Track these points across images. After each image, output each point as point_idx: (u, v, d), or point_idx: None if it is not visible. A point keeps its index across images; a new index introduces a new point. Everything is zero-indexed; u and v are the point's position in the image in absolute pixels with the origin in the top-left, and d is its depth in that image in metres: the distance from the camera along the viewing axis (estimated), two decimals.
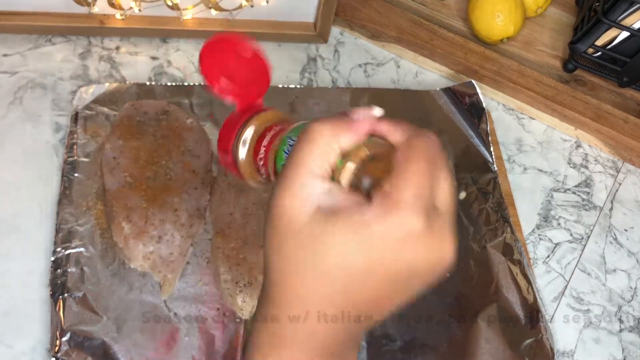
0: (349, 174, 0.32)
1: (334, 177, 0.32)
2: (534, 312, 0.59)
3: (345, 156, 0.33)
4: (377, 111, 0.35)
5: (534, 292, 0.60)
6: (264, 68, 0.43)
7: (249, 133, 0.40)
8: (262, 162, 0.39)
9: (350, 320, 0.32)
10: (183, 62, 0.74)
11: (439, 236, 0.30)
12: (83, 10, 0.70)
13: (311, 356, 0.32)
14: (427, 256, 0.30)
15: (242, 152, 0.40)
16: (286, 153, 0.36)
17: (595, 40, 0.74)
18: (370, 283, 0.30)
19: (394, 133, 0.33)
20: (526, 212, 0.69)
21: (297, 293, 0.31)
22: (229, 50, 0.41)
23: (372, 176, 0.32)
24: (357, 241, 0.29)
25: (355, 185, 0.32)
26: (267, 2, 0.71)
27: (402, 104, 0.72)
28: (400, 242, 0.29)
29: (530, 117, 0.77)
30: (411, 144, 0.32)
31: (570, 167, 0.74)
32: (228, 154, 0.41)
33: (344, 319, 0.31)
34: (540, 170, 0.73)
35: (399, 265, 0.30)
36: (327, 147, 0.32)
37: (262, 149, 0.39)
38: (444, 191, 0.32)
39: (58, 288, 0.54)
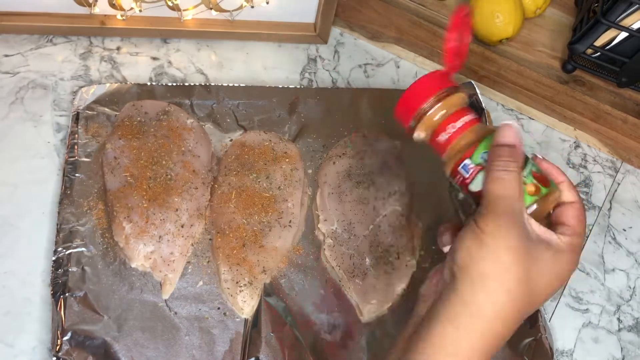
0: (532, 209, 0.40)
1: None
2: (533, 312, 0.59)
3: (533, 194, 0.41)
4: (515, 125, 0.41)
5: None
6: (466, 47, 0.46)
7: (453, 104, 0.44)
8: (446, 137, 0.44)
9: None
10: (184, 63, 0.74)
11: (576, 262, 0.41)
12: (84, 10, 0.71)
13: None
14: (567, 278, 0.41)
15: (439, 115, 0.44)
16: (486, 156, 0.42)
17: (594, 41, 0.74)
18: (547, 295, 0.39)
19: (572, 192, 0.43)
20: None
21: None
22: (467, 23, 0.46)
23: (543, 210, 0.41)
24: (556, 263, 0.39)
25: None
26: (268, 2, 0.72)
27: None
28: (568, 274, 0.40)
29: (530, 118, 0.78)
30: (582, 208, 0.42)
31: (570, 167, 0.74)
32: (415, 103, 0.44)
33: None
34: None
35: (562, 284, 0.40)
36: (520, 182, 0.39)
37: (450, 127, 0.43)
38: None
39: (59, 287, 0.55)
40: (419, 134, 0.45)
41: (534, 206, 0.40)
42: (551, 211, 0.43)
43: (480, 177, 0.41)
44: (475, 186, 0.42)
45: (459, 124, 0.43)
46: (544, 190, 0.41)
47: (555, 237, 0.39)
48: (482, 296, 0.36)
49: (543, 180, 0.41)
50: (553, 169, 0.43)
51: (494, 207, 0.38)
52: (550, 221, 0.42)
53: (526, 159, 0.42)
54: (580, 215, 0.41)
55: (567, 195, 0.42)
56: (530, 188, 0.40)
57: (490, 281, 0.36)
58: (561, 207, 0.42)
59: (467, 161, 0.42)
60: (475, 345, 0.36)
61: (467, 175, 0.42)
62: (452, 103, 0.44)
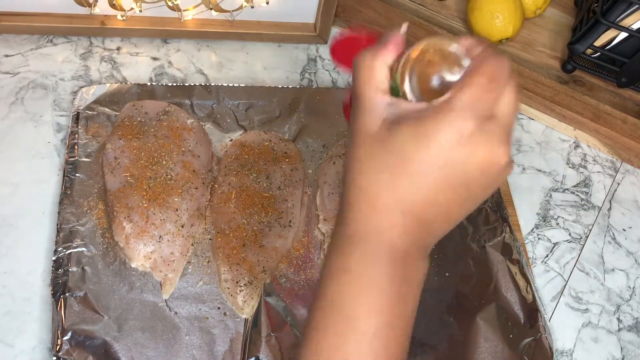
0: (406, 85, 0.35)
1: (398, 92, 0.35)
2: (532, 312, 0.59)
3: (400, 70, 0.36)
4: (403, 28, 0.39)
5: (532, 291, 0.60)
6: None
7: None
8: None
9: (420, 229, 0.34)
10: (184, 63, 0.74)
11: (489, 139, 0.32)
12: (84, 11, 0.71)
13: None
14: (477, 157, 0.32)
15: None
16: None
17: (594, 41, 0.74)
18: (431, 185, 0.33)
19: (474, 47, 0.35)
20: (525, 212, 0.69)
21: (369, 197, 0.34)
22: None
23: (436, 76, 0.35)
24: (415, 143, 0.32)
25: (427, 90, 0.35)
26: (267, 2, 0.72)
27: None
28: (451, 143, 0.32)
29: (529, 118, 0.78)
30: (483, 58, 0.33)
31: (569, 167, 0.74)
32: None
33: (413, 227, 0.34)
34: (539, 170, 0.73)
35: (455, 167, 0.32)
36: (372, 70, 0.36)
37: None
38: (505, 101, 0.33)
39: (59, 287, 0.55)
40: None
41: (410, 85, 0.35)
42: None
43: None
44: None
45: None
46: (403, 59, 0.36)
47: (421, 105, 0.34)
48: (351, 194, 0.35)
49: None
50: (467, 40, 0.36)
51: (353, 107, 0.37)
52: None
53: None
54: (475, 67, 0.33)
55: (472, 50, 0.34)
56: (395, 66, 0.37)
57: (353, 181, 0.35)
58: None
59: None
60: (359, 239, 0.35)
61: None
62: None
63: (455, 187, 0.33)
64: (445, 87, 0.34)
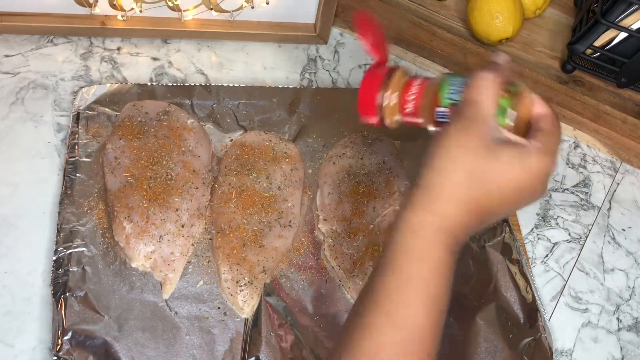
0: (512, 118, 0.43)
1: (499, 115, 0.43)
2: (532, 312, 0.59)
3: (505, 98, 0.43)
4: (505, 58, 0.46)
5: (532, 291, 0.60)
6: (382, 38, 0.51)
7: (398, 83, 0.48)
8: (412, 105, 0.48)
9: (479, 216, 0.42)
10: (184, 63, 0.74)
11: (548, 182, 0.44)
12: (84, 11, 0.71)
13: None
14: (544, 189, 0.43)
15: (393, 97, 0.48)
16: (450, 95, 0.45)
17: (594, 41, 0.74)
18: (513, 194, 0.42)
19: (542, 106, 0.45)
20: (525, 212, 0.69)
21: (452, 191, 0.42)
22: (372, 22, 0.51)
23: (521, 119, 0.44)
24: (519, 163, 0.41)
25: (517, 125, 0.44)
26: (268, 3, 0.72)
27: None
28: (539, 177, 0.42)
29: None
30: (555, 116, 0.44)
31: (569, 167, 0.74)
32: (371, 101, 0.49)
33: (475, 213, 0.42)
34: None
35: (532, 189, 0.42)
36: (494, 89, 0.42)
37: (410, 98, 0.48)
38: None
39: (59, 287, 0.55)
40: (391, 121, 0.49)
41: (513, 113, 0.43)
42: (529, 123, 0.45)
43: None
44: None
45: (414, 90, 0.47)
46: (512, 88, 0.44)
47: (524, 140, 0.42)
48: (435, 185, 0.41)
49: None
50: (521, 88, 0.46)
51: (463, 111, 0.43)
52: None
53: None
54: (551, 121, 0.44)
55: (539, 107, 0.45)
56: (502, 94, 0.44)
57: (443, 173, 0.41)
58: (537, 120, 0.44)
59: (439, 109, 0.46)
60: (429, 222, 0.41)
61: (447, 119, 0.46)
62: (397, 82, 0.48)
63: (516, 205, 0.43)
64: (522, 125, 0.44)
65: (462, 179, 0.41)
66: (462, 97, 0.44)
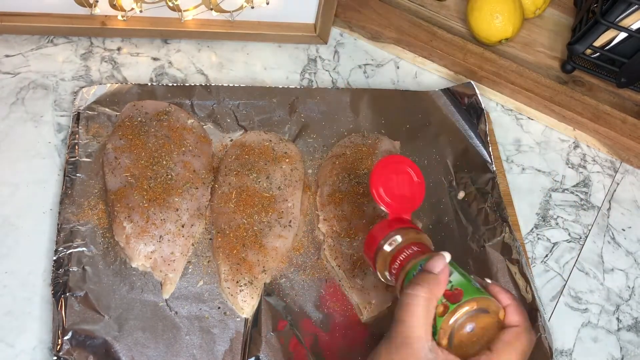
0: (447, 335, 0.39)
1: (434, 333, 0.39)
2: (532, 311, 0.59)
3: (441, 314, 0.40)
4: (447, 257, 0.43)
5: (532, 291, 0.60)
6: (421, 190, 0.54)
7: (394, 242, 0.49)
8: (395, 272, 0.48)
9: None
10: (184, 63, 0.74)
11: None
12: (85, 11, 0.71)
13: None
14: None
15: (385, 254, 0.49)
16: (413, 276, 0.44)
17: (594, 42, 0.75)
18: None
19: (514, 315, 0.41)
20: (525, 212, 0.69)
21: None
22: (396, 170, 0.53)
23: (472, 337, 0.39)
24: None
25: (462, 345, 0.40)
26: (268, 3, 0.72)
27: (402, 105, 0.73)
28: None
29: (529, 118, 0.78)
30: (519, 335, 0.40)
31: (569, 167, 0.74)
32: (372, 250, 0.50)
33: None
34: (539, 170, 0.73)
35: None
36: (427, 309, 0.39)
37: (397, 262, 0.48)
38: None
39: (60, 287, 0.55)
40: (381, 276, 0.50)
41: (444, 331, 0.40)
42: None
43: None
44: None
45: (401, 258, 0.47)
46: (451, 306, 0.40)
47: None
48: None
49: (456, 295, 0.41)
50: (501, 292, 0.43)
51: (390, 331, 0.39)
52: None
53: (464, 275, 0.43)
54: (509, 342, 0.39)
55: (510, 317, 0.41)
56: (439, 309, 0.41)
57: None
58: (501, 333, 0.41)
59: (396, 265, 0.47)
60: None
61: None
62: (404, 239, 0.49)
63: None
64: (479, 346, 0.40)
65: None
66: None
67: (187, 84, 0.70)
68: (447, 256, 0.43)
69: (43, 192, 0.62)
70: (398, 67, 0.80)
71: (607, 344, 0.62)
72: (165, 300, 0.56)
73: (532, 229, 0.68)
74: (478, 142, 0.70)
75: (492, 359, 0.38)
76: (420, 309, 0.39)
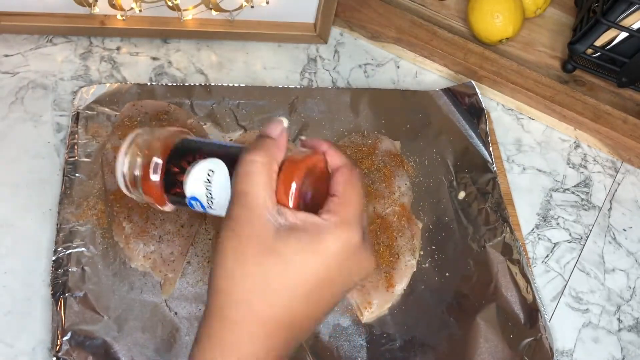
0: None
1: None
2: (533, 312, 0.59)
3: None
4: (285, 122, 0.40)
5: (533, 291, 0.60)
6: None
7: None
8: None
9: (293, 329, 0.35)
10: (184, 63, 0.74)
11: (368, 249, 0.37)
12: (84, 10, 0.71)
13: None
14: (360, 265, 0.36)
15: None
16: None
17: (594, 41, 0.74)
18: (318, 290, 0.35)
19: (335, 157, 0.39)
20: (525, 212, 0.69)
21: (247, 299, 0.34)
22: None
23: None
24: (312, 252, 0.34)
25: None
26: (267, 2, 0.72)
27: (402, 105, 0.72)
28: (346, 253, 0.35)
29: (530, 117, 0.78)
30: (350, 171, 0.38)
31: (569, 167, 0.74)
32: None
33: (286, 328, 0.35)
34: (539, 170, 0.73)
35: (343, 274, 0.36)
36: (268, 174, 0.36)
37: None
38: (364, 215, 0.38)
39: (59, 287, 0.55)
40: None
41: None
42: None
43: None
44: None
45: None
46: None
47: (315, 219, 0.35)
48: (220, 315, 0.35)
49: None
50: (314, 141, 0.41)
51: (231, 210, 0.36)
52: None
53: None
54: (345, 180, 0.37)
55: (332, 160, 0.39)
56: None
57: (225, 298, 0.35)
58: (332, 177, 0.38)
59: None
60: (223, 350, 0.34)
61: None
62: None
63: (332, 298, 0.36)
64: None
65: (250, 299, 0.34)
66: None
67: (186, 84, 0.70)
68: (285, 121, 0.40)
69: (42, 192, 0.62)
70: (398, 67, 0.79)
71: (608, 344, 0.62)
72: (165, 300, 0.56)
73: (533, 229, 0.68)
74: (478, 141, 0.70)
75: (339, 201, 0.36)
76: (262, 176, 0.36)
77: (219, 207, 0.41)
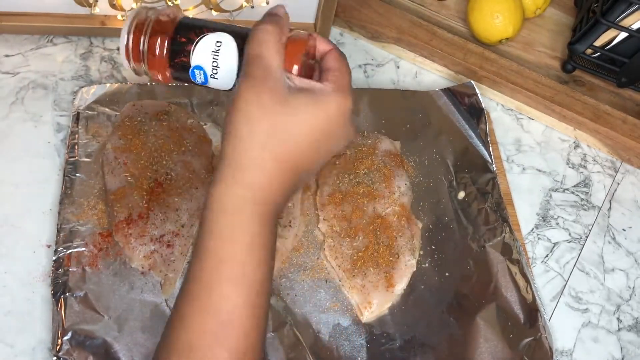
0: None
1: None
2: (532, 312, 0.59)
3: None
4: (282, 8, 0.46)
5: (532, 291, 0.60)
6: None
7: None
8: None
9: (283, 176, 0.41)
10: None
11: (354, 121, 0.44)
12: (84, 11, 0.71)
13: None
14: (348, 130, 0.43)
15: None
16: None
17: (594, 41, 0.74)
18: (322, 139, 0.41)
19: (325, 42, 0.46)
20: (525, 212, 0.69)
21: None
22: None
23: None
24: (318, 108, 0.40)
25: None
26: (267, 2, 0.72)
27: (402, 105, 0.73)
28: (343, 115, 0.42)
29: (529, 118, 0.78)
30: (339, 53, 0.44)
31: (569, 167, 0.74)
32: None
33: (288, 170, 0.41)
34: (539, 170, 0.73)
35: (338, 132, 0.42)
36: (280, 43, 0.42)
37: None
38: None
39: (59, 287, 0.55)
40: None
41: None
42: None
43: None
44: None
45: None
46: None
47: (318, 84, 0.41)
48: (236, 153, 0.39)
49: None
50: (306, 32, 0.46)
51: (248, 69, 0.40)
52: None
53: None
54: (337, 58, 0.44)
55: (323, 45, 0.45)
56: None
57: (242, 138, 0.39)
58: (323, 59, 0.44)
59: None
60: (238, 195, 0.39)
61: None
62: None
63: (327, 152, 0.43)
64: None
65: (263, 141, 0.39)
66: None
67: (186, 84, 0.70)
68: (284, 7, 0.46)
69: (43, 192, 0.62)
70: (398, 67, 0.80)
71: (608, 344, 0.62)
72: (165, 300, 0.56)
73: (533, 229, 0.68)
74: (478, 142, 0.70)
75: (335, 73, 0.42)
76: (275, 43, 0.41)
77: (221, 78, 0.44)
